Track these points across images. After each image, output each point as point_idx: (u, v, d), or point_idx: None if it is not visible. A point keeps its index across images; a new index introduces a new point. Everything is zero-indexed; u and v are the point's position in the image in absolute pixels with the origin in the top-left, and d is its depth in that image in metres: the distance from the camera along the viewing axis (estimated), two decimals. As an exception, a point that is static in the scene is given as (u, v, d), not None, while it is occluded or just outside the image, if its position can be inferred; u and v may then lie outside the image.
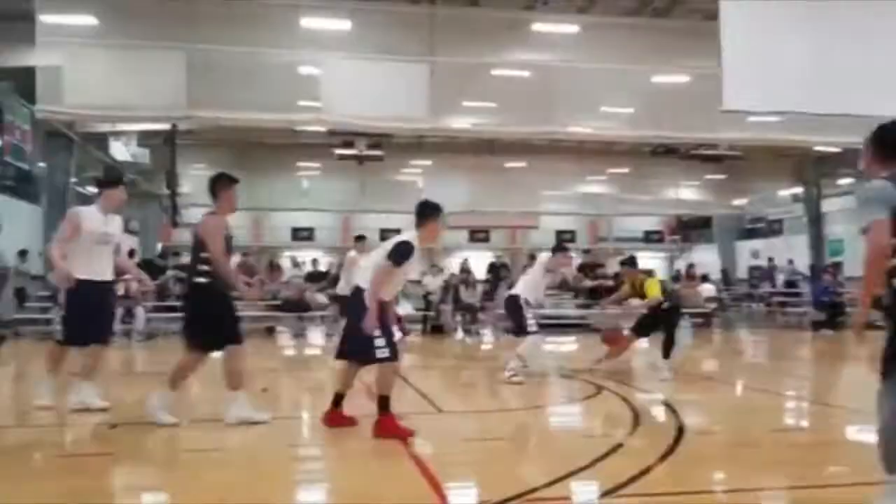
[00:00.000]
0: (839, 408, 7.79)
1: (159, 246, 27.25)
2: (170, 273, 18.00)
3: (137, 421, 6.03)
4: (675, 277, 22.80)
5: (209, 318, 5.92)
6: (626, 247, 41.42)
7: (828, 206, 32.34)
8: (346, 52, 14.35)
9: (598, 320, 18.42)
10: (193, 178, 24.76)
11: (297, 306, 17.10)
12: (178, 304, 17.15)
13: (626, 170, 27.85)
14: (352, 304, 5.68)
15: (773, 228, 34.99)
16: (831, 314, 17.91)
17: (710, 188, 29.99)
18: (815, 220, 32.49)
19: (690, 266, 21.94)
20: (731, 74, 10.92)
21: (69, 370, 6.69)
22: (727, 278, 27.24)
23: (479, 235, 36.21)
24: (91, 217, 6.51)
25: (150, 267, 17.64)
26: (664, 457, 5.01)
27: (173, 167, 19.05)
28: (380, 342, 5.49)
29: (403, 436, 5.45)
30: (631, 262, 10.01)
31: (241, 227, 35.76)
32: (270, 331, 17.77)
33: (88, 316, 6.47)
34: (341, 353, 5.88)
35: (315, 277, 18.62)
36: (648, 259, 42.33)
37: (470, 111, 16.38)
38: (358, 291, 5.63)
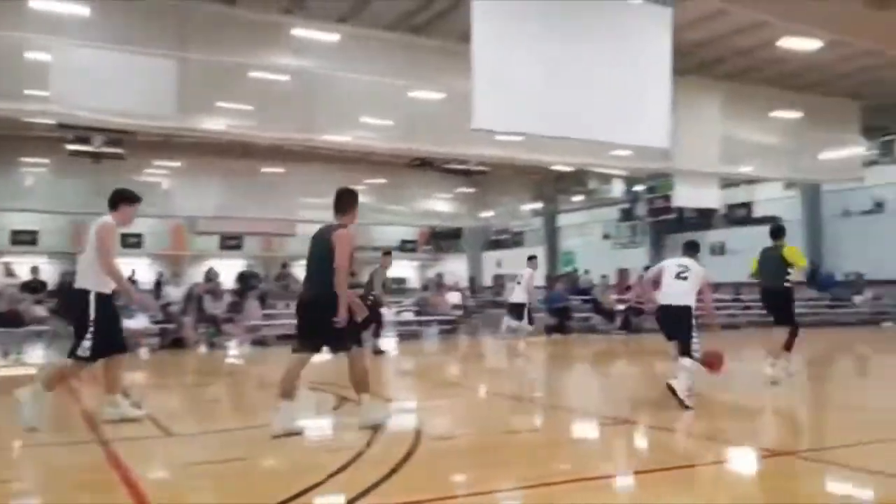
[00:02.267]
0: (566, 409, 8.39)
1: None
2: None
3: None
4: (426, 286, 23.48)
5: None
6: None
7: (563, 220, 35.47)
8: (82, 40, 13.13)
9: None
10: None
11: (9, 321, 14.94)
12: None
13: (383, 180, 28.25)
14: None
15: (515, 240, 37.59)
16: (561, 320, 19.31)
17: (461, 201, 31.35)
18: (552, 233, 35.55)
19: (439, 275, 22.72)
20: (479, 95, 11.35)
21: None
22: (474, 286, 28.63)
23: (231, 242, 34.91)
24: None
25: None
26: (401, 464, 5.06)
27: None
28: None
29: None
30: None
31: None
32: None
33: None
34: None
35: (33, 288, 16.43)
36: (404, 267, 43.59)
37: (224, 112, 15.64)
38: None
